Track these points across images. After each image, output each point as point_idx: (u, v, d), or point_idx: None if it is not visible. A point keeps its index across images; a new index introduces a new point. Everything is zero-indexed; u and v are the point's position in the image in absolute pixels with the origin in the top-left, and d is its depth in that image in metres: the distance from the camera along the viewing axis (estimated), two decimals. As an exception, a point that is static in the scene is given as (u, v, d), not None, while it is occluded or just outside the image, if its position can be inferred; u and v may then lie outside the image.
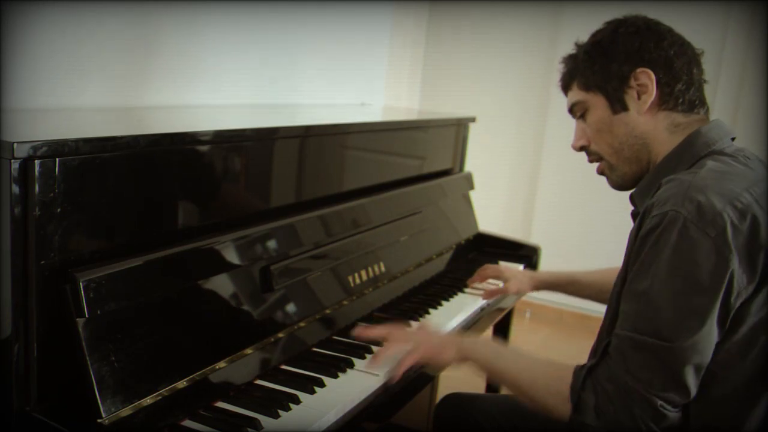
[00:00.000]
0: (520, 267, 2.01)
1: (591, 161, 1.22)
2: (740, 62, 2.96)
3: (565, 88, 1.23)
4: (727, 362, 0.97)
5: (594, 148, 1.19)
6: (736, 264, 0.92)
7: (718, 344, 0.96)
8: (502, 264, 1.89)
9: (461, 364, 1.20)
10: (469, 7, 3.54)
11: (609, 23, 1.17)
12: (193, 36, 1.75)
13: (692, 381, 0.95)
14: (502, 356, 1.15)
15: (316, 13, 2.21)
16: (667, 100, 1.11)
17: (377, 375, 1.20)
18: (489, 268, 1.77)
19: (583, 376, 1.00)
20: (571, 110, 1.22)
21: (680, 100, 1.11)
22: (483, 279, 1.77)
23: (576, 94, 1.19)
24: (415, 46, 3.58)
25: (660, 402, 0.94)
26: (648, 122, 1.12)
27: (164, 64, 1.69)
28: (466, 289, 1.76)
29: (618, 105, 1.13)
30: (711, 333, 0.94)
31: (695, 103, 1.12)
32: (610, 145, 1.16)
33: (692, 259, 0.93)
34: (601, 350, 1.02)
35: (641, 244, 0.98)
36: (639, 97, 1.12)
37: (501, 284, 1.74)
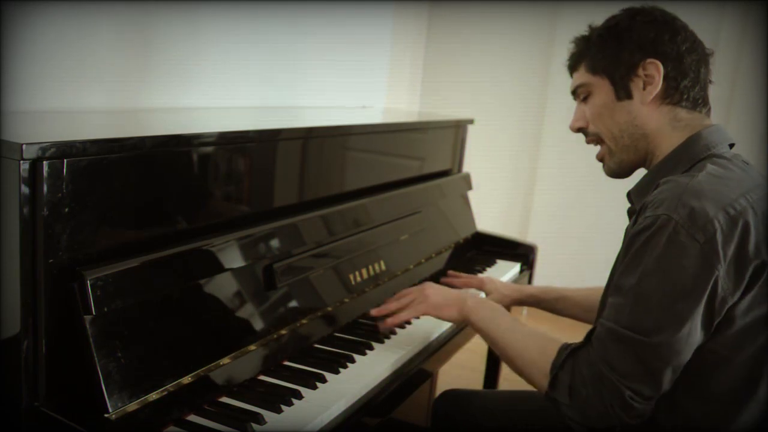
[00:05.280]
0: (514, 269, 2.03)
1: (589, 142, 1.22)
2: (733, 65, 2.98)
3: (572, 68, 1.22)
4: (714, 363, 0.99)
5: (593, 130, 1.19)
6: (722, 271, 0.94)
7: (704, 345, 0.98)
8: (488, 276, 1.77)
9: (462, 323, 1.32)
10: (469, 8, 3.56)
11: (626, 10, 1.15)
12: (195, 38, 1.77)
13: (665, 377, 0.97)
14: (499, 323, 1.19)
15: (318, 17, 2.22)
16: (671, 94, 1.11)
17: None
18: (473, 279, 1.71)
19: (565, 356, 1.04)
20: (575, 92, 1.22)
21: (685, 96, 1.11)
22: (463, 286, 1.69)
23: (582, 76, 1.18)
24: (416, 47, 3.60)
25: (628, 392, 0.96)
26: (650, 114, 1.12)
27: (166, 66, 1.70)
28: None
29: (623, 92, 1.13)
30: (691, 335, 0.95)
31: (698, 101, 1.12)
32: (609, 130, 1.16)
33: (678, 263, 0.94)
34: (586, 336, 1.05)
35: (631, 242, 1.00)
36: (644, 88, 1.11)
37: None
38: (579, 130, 1.22)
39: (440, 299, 1.31)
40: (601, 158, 1.21)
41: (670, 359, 0.96)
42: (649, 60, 1.10)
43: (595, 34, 1.17)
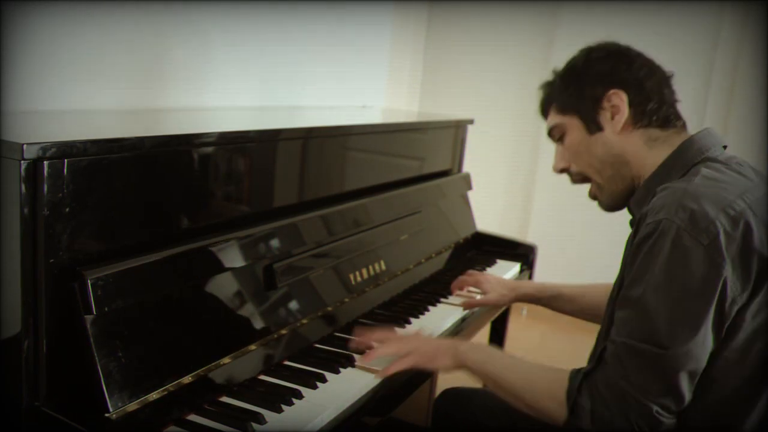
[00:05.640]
0: (514, 269, 2.02)
1: (575, 182, 1.25)
2: (732, 65, 2.98)
3: (544, 113, 1.27)
4: (725, 368, 0.98)
5: (575, 169, 1.22)
6: (729, 272, 0.93)
7: (716, 351, 0.97)
8: (486, 274, 1.76)
9: (456, 371, 1.20)
10: (468, 8, 3.56)
11: (582, 50, 1.21)
12: (199, 39, 1.77)
13: (686, 387, 0.96)
14: (497, 362, 1.16)
15: (318, 17, 2.23)
16: (640, 118, 1.14)
17: (376, 370, 1.20)
18: (470, 276, 1.69)
19: (580, 381, 1.01)
20: (550, 133, 1.26)
21: (654, 118, 1.14)
22: (462, 287, 1.68)
23: (553, 118, 1.23)
24: (415, 48, 3.60)
25: (656, 408, 0.95)
26: (624, 140, 1.15)
27: (170, 67, 1.71)
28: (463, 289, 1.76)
29: (593, 126, 1.17)
30: (705, 340, 0.95)
31: (670, 118, 1.15)
32: (591, 165, 1.19)
33: (685, 267, 0.94)
34: (597, 356, 1.03)
35: (635, 252, 1.00)
36: (612, 118, 1.15)
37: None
38: (563, 170, 1.25)
39: (430, 348, 1.23)
40: (593, 196, 1.24)
41: (689, 367, 0.95)
42: (611, 91, 1.14)
43: (558, 77, 1.22)
